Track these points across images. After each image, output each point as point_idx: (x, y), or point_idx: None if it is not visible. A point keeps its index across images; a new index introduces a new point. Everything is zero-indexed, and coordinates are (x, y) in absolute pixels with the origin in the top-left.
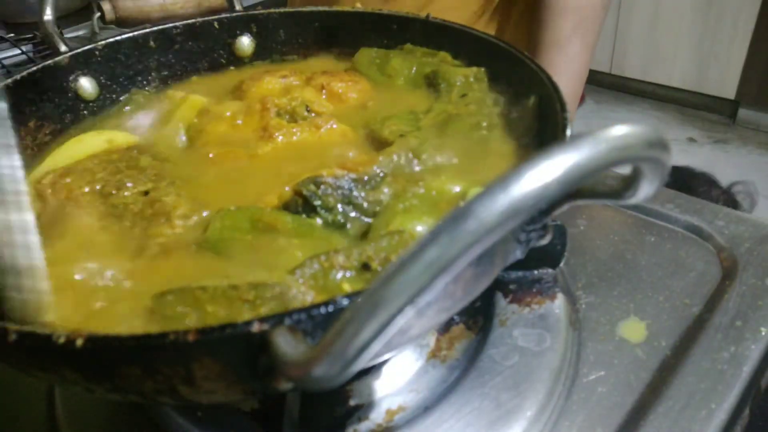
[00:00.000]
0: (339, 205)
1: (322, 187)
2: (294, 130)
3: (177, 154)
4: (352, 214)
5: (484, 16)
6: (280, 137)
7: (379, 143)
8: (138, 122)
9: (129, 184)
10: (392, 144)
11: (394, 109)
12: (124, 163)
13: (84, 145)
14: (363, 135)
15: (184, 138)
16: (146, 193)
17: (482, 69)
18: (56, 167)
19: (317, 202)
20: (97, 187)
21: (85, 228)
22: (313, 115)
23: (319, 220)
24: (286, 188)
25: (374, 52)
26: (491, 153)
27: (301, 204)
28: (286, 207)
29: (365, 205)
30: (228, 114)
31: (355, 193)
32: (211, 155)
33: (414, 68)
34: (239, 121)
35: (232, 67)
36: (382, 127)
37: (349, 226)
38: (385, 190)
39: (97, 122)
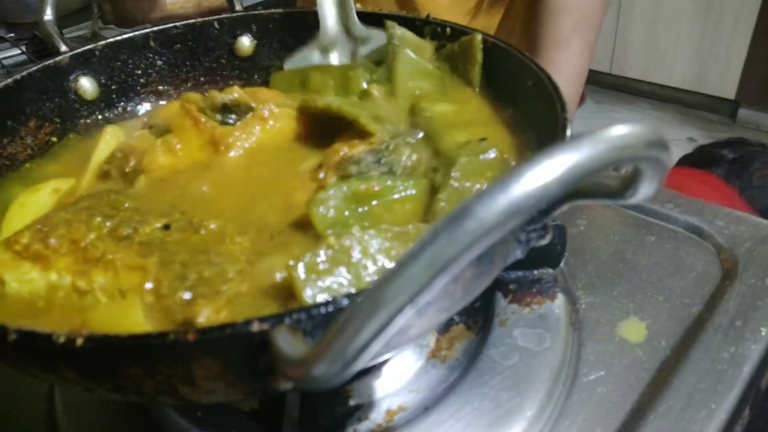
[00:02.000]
0: (379, 173)
1: (362, 163)
2: (238, 134)
3: (145, 191)
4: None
5: (477, 17)
6: (240, 141)
7: (326, 120)
8: (65, 164)
9: (139, 223)
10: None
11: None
12: (107, 207)
13: (29, 206)
14: (307, 115)
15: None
16: (167, 226)
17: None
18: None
19: (371, 175)
20: (104, 231)
21: (145, 269)
22: (249, 113)
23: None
24: (320, 175)
25: (288, 73)
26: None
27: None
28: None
29: (408, 163)
30: (159, 144)
31: (384, 160)
32: (182, 185)
33: (334, 78)
34: (177, 146)
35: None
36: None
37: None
38: (406, 151)
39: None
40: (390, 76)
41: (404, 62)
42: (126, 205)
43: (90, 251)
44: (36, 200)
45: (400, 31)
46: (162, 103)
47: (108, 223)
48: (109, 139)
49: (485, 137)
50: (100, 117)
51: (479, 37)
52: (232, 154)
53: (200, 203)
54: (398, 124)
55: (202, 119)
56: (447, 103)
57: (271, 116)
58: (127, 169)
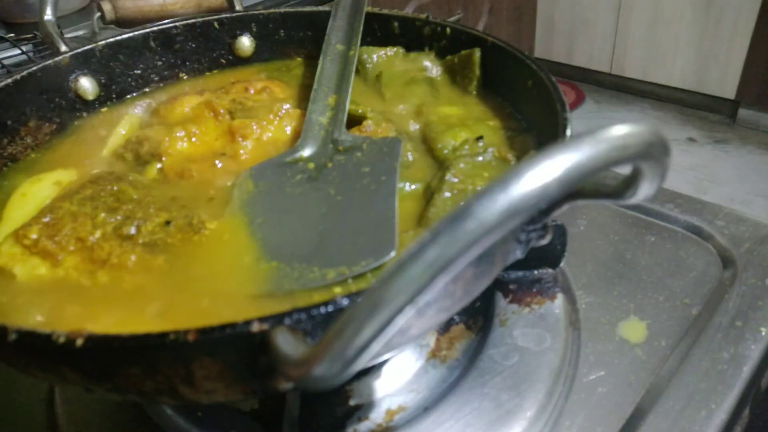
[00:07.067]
0: None
1: None
2: (257, 128)
3: (152, 180)
4: None
5: None
6: (256, 132)
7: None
8: (69, 155)
9: (142, 219)
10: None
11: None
12: (110, 197)
13: (30, 197)
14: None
15: (129, 157)
16: (168, 222)
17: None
18: (16, 226)
19: None
20: (108, 229)
21: (156, 269)
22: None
23: None
24: None
25: (277, 64)
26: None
27: None
28: None
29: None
30: (179, 130)
31: None
32: (194, 174)
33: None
34: (195, 130)
35: (215, 71)
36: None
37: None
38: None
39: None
40: (381, 91)
41: (390, 78)
42: (128, 195)
43: (96, 252)
44: (37, 191)
45: (374, 55)
46: (162, 101)
47: (112, 219)
48: (127, 124)
49: (481, 135)
50: (100, 117)
51: (478, 53)
52: (246, 144)
53: (203, 200)
54: (401, 125)
55: (221, 110)
56: (447, 106)
57: (286, 115)
58: (141, 153)
